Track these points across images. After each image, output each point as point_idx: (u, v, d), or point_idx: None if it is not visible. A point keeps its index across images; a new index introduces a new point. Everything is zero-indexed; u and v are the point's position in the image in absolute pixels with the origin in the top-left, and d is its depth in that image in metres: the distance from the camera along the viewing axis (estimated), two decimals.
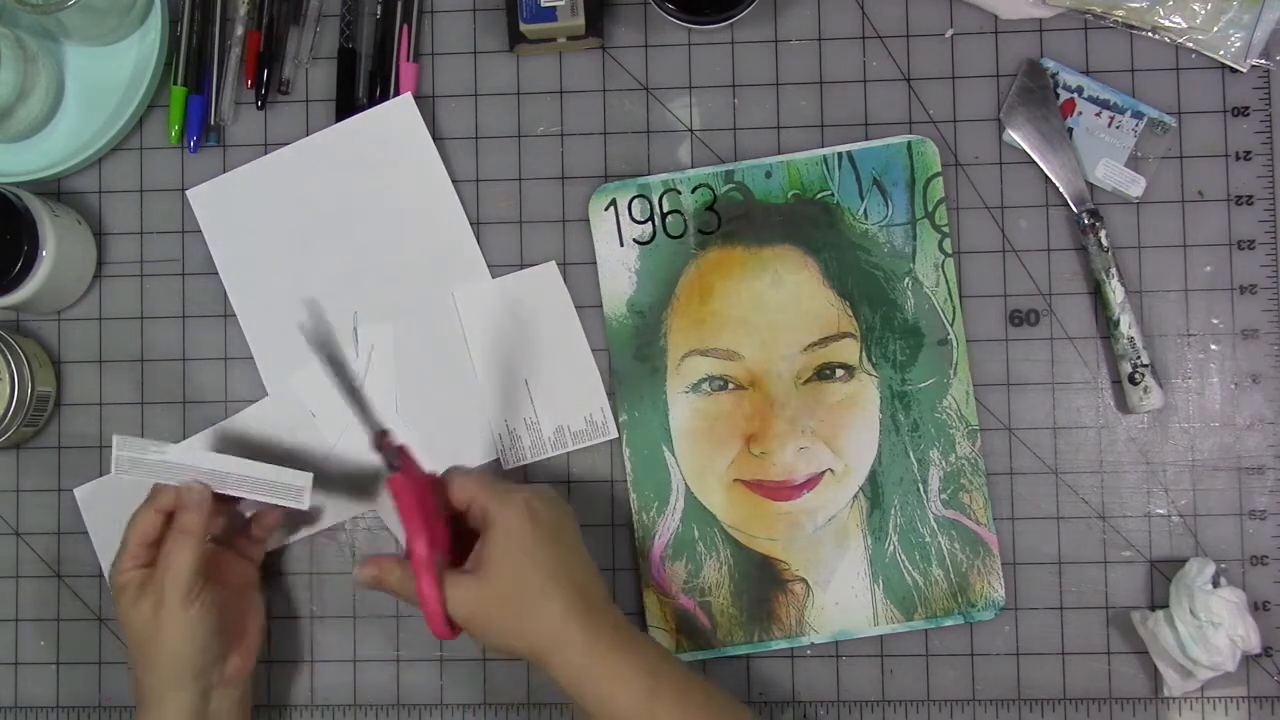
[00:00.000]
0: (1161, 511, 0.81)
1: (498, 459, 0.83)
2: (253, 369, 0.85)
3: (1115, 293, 0.80)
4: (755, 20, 0.83)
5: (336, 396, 0.81)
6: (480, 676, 0.84)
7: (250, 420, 0.84)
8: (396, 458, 0.71)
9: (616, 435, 0.82)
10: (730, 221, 0.82)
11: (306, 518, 0.82)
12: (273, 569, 0.84)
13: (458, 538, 0.71)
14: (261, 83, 0.85)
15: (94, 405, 0.86)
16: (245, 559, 0.80)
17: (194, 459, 0.76)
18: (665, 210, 0.83)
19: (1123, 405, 0.81)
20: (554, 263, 0.82)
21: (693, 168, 0.83)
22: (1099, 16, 0.82)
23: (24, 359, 0.82)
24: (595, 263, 0.83)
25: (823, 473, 0.81)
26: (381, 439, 0.72)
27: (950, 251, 0.82)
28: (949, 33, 0.83)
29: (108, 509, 0.85)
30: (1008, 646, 0.81)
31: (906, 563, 0.81)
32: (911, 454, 0.81)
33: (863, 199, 0.82)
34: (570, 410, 0.82)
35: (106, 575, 0.84)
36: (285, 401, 0.84)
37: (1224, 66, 0.82)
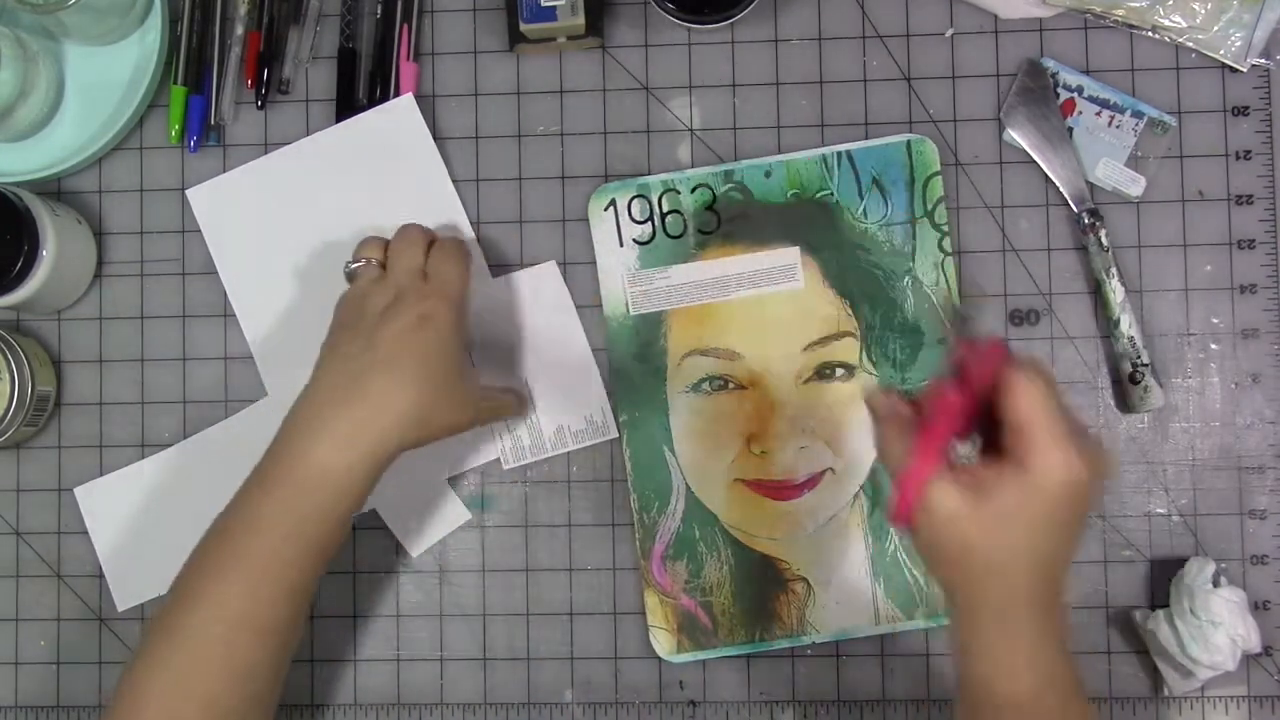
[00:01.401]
0: (1161, 511, 0.81)
1: (497, 459, 0.83)
2: (253, 369, 0.85)
3: (1115, 292, 0.80)
4: (755, 20, 0.83)
5: None
6: (480, 676, 0.84)
7: (250, 420, 0.84)
8: (963, 367, 0.60)
9: (617, 435, 0.82)
10: (730, 221, 0.83)
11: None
12: None
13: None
14: (261, 83, 0.85)
15: (94, 405, 0.86)
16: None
17: None
18: (665, 210, 0.83)
19: (1123, 405, 0.81)
20: (554, 262, 0.82)
21: (692, 167, 0.83)
22: (1099, 16, 0.82)
23: (24, 359, 0.82)
24: (595, 263, 0.83)
25: (823, 472, 0.81)
26: (960, 347, 0.61)
27: (950, 250, 0.82)
28: (949, 32, 0.83)
29: (108, 509, 0.85)
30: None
31: (907, 562, 0.81)
32: None
33: (862, 198, 0.82)
34: (570, 410, 0.82)
35: (107, 575, 0.85)
36: (285, 401, 0.83)
37: (1224, 66, 0.82)
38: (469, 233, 0.84)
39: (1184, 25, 0.81)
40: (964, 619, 0.61)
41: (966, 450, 0.62)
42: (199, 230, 0.85)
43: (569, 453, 0.83)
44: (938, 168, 0.82)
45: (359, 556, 0.84)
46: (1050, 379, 0.60)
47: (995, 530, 0.58)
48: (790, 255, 0.82)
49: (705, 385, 0.82)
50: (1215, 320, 0.82)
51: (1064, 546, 0.61)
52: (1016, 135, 0.82)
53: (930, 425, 0.60)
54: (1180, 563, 0.80)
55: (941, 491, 0.59)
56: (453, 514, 0.83)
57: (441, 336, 0.72)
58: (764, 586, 0.82)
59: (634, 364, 0.83)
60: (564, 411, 0.82)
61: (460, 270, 0.76)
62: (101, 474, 0.85)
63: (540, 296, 0.83)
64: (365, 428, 0.69)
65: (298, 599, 0.70)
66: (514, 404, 0.80)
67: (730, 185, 0.83)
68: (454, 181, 0.84)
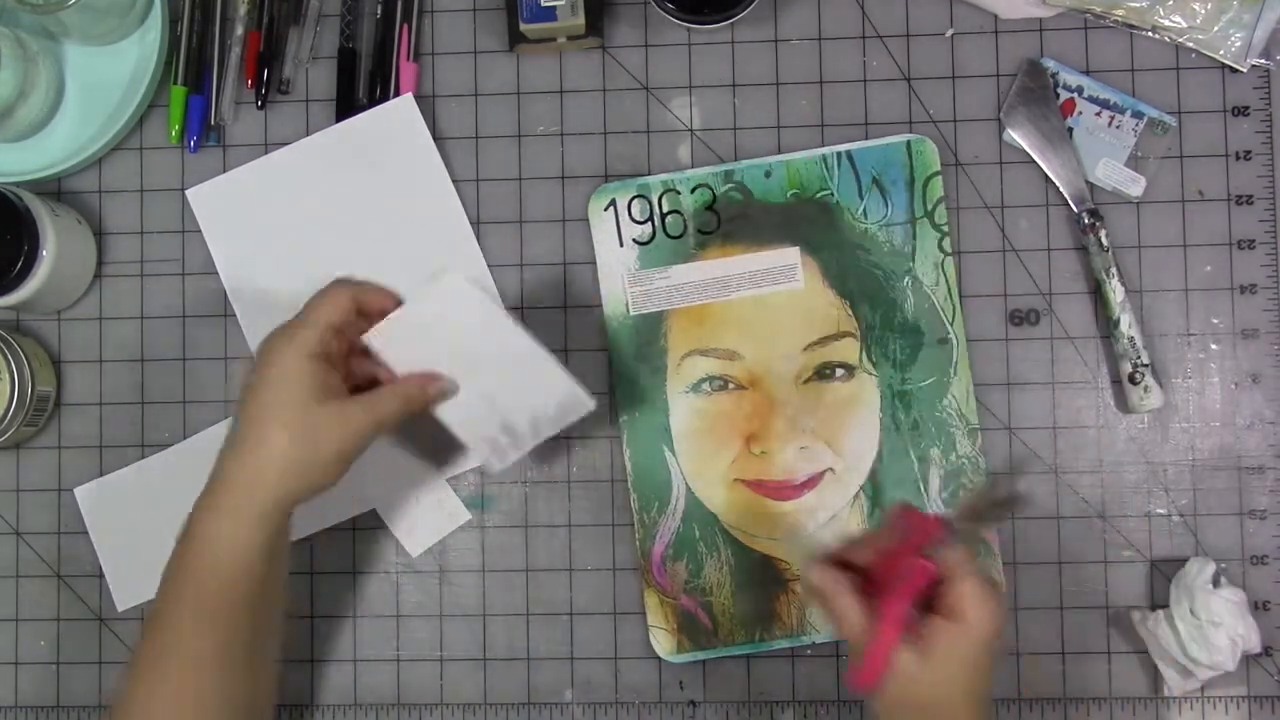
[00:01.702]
0: (1161, 511, 0.81)
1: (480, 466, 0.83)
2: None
3: (1115, 292, 0.80)
4: (755, 20, 0.83)
5: None
6: (480, 676, 0.84)
7: None
8: (920, 540, 0.66)
9: (594, 406, 0.74)
10: (730, 221, 0.83)
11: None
12: None
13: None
14: (261, 83, 0.85)
15: (94, 405, 0.86)
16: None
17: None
18: (665, 210, 0.83)
19: (1123, 405, 0.81)
20: (457, 274, 0.73)
21: (692, 168, 0.83)
22: (1099, 16, 0.82)
23: (24, 359, 0.82)
24: (595, 263, 0.83)
25: (823, 472, 0.81)
26: (905, 516, 0.67)
27: (950, 250, 0.82)
28: (949, 32, 0.83)
29: (108, 509, 0.85)
30: (1008, 646, 0.81)
31: None
32: (912, 453, 0.81)
33: (862, 198, 0.82)
34: (536, 399, 0.74)
35: (107, 575, 0.85)
36: None
37: (1224, 66, 0.82)
38: (467, 231, 0.84)
39: (1184, 25, 0.81)
40: None
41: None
42: (199, 230, 0.85)
43: (569, 449, 0.83)
44: (938, 168, 0.82)
45: (359, 556, 0.84)
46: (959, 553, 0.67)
47: (944, 681, 0.64)
48: (790, 255, 0.82)
49: (705, 385, 0.82)
50: (1215, 320, 0.82)
51: (989, 683, 0.66)
52: (1016, 135, 0.82)
53: (896, 595, 0.65)
54: (1180, 563, 0.80)
55: (904, 659, 0.64)
56: (453, 514, 0.83)
57: (281, 370, 0.68)
58: (764, 586, 0.82)
59: (634, 364, 0.83)
60: (530, 404, 0.75)
61: (316, 302, 0.70)
62: (101, 474, 0.85)
63: (459, 309, 0.73)
64: (236, 492, 0.69)
65: (235, 652, 0.69)
66: (420, 389, 0.71)
67: (730, 185, 0.83)
68: (454, 181, 0.84)
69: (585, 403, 0.73)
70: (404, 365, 0.72)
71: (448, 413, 0.73)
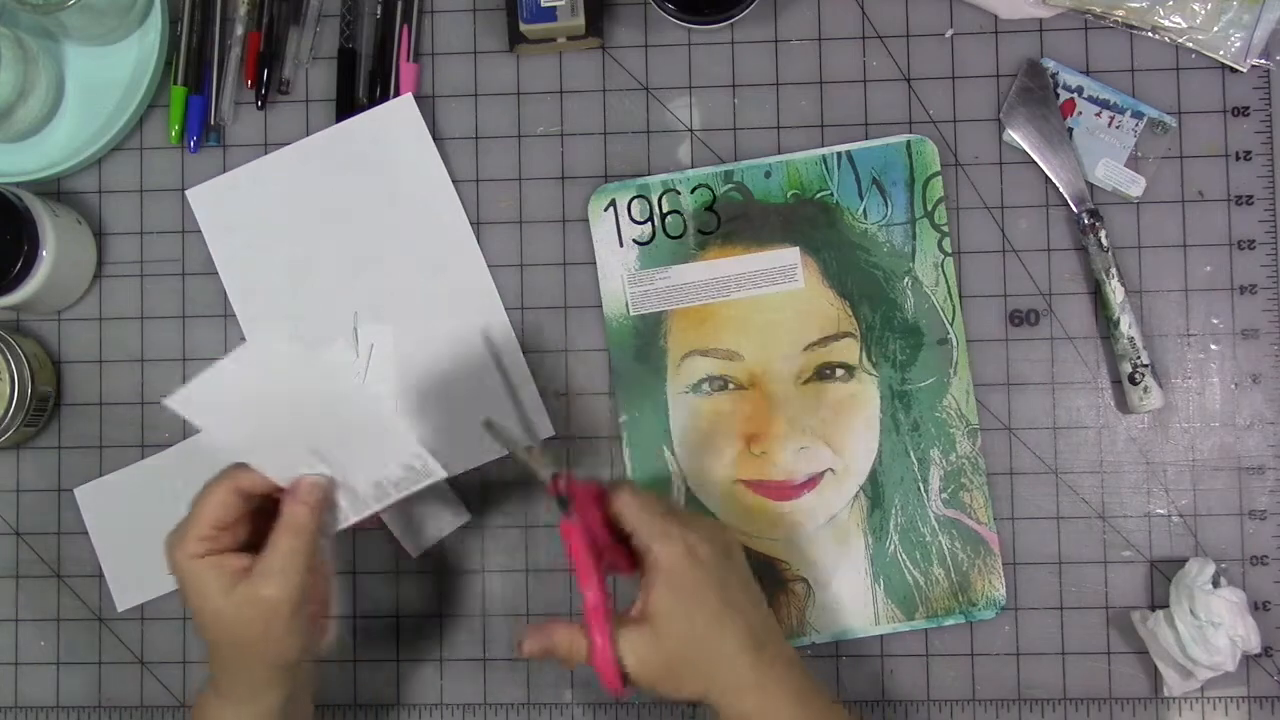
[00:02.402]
0: (1161, 511, 0.81)
1: (494, 459, 0.83)
2: None
3: (1115, 293, 0.80)
4: (755, 20, 0.83)
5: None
6: (480, 676, 0.84)
7: None
8: (572, 501, 0.67)
9: (443, 475, 0.70)
10: (730, 221, 0.83)
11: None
12: None
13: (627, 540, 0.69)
14: (261, 83, 0.85)
15: (94, 405, 0.86)
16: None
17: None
18: (665, 210, 0.83)
19: (1123, 405, 0.81)
20: (254, 344, 0.68)
21: (692, 168, 0.83)
22: (1099, 16, 0.82)
23: (24, 359, 0.82)
24: (595, 263, 0.83)
25: (823, 472, 0.81)
26: (558, 482, 0.67)
27: (950, 251, 0.82)
28: (949, 33, 0.83)
29: (108, 509, 0.85)
30: (1008, 646, 0.81)
31: (907, 562, 0.81)
32: (912, 453, 0.81)
33: (862, 198, 0.82)
34: (381, 463, 0.70)
35: (107, 575, 0.85)
36: None
37: (1224, 66, 0.82)
38: (467, 231, 0.84)
39: (1184, 26, 0.81)
40: (723, 711, 0.67)
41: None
42: (199, 230, 0.85)
43: (569, 449, 0.83)
44: (938, 168, 0.82)
45: (359, 556, 0.84)
46: (636, 486, 0.69)
47: (682, 627, 0.66)
48: (790, 255, 0.82)
49: (705, 385, 0.82)
50: (1215, 320, 0.82)
51: (741, 601, 0.68)
52: (1016, 135, 0.82)
53: (592, 623, 0.66)
54: (1180, 563, 0.80)
55: (627, 643, 0.66)
56: (453, 514, 0.83)
57: (181, 577, 0.68)
58: (764, 586, 0.81)
59: (634, 364, 0.83)
60: (374, 467, 0.70)
61: (197, 501, 0.69)
62: (101, 474, 0.85)
63: (282, 366, 0.68)
64: (221, 678, 0.70)
65: None
66: (295, 508, 0.68)
67: (730, 185, 0.83)
68: (454, 181, 0.84)
69: (435, 471, 0.70)
70: (217, 428, 0.68)
71: (276, 471, 0.69)
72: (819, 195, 0.82)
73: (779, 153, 0.83)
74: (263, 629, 0.67)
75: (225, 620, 0.68)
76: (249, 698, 0.70)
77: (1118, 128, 0.82)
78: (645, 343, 0.83)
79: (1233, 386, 0.81)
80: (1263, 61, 0.81)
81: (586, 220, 0.83)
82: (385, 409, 0.68)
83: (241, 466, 0.69)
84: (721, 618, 0.66)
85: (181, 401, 0.67)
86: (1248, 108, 0.82)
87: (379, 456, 0.69)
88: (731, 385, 0.82)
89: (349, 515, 0.71)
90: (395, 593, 0.84)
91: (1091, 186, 0.82)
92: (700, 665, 0.66)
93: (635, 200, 0.83)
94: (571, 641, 0.67)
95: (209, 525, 0.68)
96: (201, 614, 0.68)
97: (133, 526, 0.84)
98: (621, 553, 0.69)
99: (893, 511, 0.81)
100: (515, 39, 0.83)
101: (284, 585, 0.67)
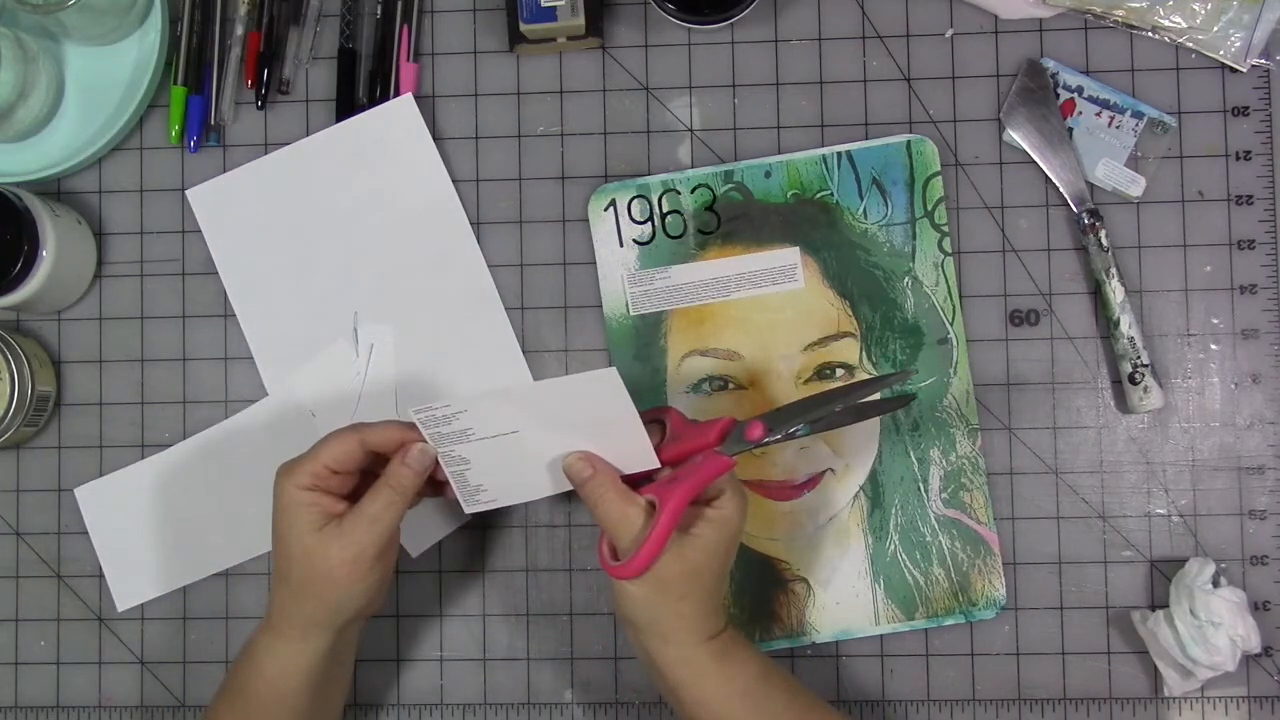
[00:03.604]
0: (1161, 511, 0.81)
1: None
2: (253, 369, 0.85)
3: (1115, 293, 0.80)
4: (755, 20, 0.83)
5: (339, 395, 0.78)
6: (480, 676, 0.84)
7: (250, 420, 0.84)
8: (707, 440, 0.72)
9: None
10: (730, 221, 0.83)
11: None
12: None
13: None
14: (261, 83, 0.85)
15: (94, 405, 0.86)
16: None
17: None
18: (665, 210, 0.83)
19: (1123, 405, 0.81)
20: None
21: (692, 168, 0.83)
22: (1099, 16, 0.82)
23: (24, 359, 0.82)
24: (595, 263, 0.83)
25: (823, 472, 0.81)
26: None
27: (950, 251, 0.82)
28: (949, 33, 0.83)
29: (108, 509, 0.85)
30: (1008, 646, 0.81)
31: (907, 562, 0.81)
32: (912, 453, 0.81)
33: (862, 198, 0.82)
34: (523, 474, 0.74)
35: (107, 575, 0.85)
36: (285, 401, 0.84)
37: (1224, 66, 0.82)
38: (467, 231, 0.84)
39: (1184, 25, 0.81)
40: (678, 648, 0.70)
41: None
42: (199, 230, 0.85)
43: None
44: (938, 168, 0.82)
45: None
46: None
47: (706, 563, 0.70)
48: (790, 255, 0.82)
49: (705, 385, 0.82)
50: (1215, 320, 0.82)
51: (728, 569, 0.72)
52: (1016, 135, 0.82)
53: (685, 488, 0.69)
54: (1180, 563, 0.80)
55: (676, 538, 0.69)
56: (453, 514, 0.83)
57: (280, 505, 0.71)
58: (764, 587, 0.82)
59: (634, 364, 0.83)
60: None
61: (322, 441, 0.72)
62: (101, 474, 0.85)
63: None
64: (279, 615, 0.73)
65: None
66: (398, 468, 0.72)
67: (730, 185, 0.83)
68: (454, 181, 0.84)
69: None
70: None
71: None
72: (819, 195, 0.82)
73: (779, 153, 0.83)
74: (340, 572, 0.70)
75: (307, 554, 0.70)
76: (301, 636, 0.72)
77: (1118, 128, 0.82)
78: (645, 343, 0.83)
79: (1233, 386, 0.81)
80: (1263, 61, 0.82)
81: (586, 220, 0.83)
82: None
83: (380, 423, 0.73)
84: (720, 576, 0.71)
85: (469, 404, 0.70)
86: (1248, 108, 0.82)
87: (607, 442, 0.72)
88: (731, 385, 0.82)
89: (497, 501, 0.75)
90: (395, 593, 0.84)
91: (1091, 186, 0.82)
92: (682, 602, 0.69)
93: (635, 200, 0.83)
94: (608, 489, 0.70)
95: (324, 464, 0.71)
96: (287, 543, 0.71)
97: (133, 526, 0.84)
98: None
99: (893, 511, 0.81)
100: (515, 39, 0.83)
101: (373, 533, 0.70)
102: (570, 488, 0.73)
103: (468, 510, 0.75)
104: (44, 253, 0.80)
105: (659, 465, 0.72)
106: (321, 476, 0.71)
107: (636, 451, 0.71)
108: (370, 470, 0.74)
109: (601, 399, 0.69)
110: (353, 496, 0.73)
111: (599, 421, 0.71)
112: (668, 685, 0.71)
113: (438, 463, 0.73)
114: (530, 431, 0.71)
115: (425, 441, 0.72)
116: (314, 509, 0.71)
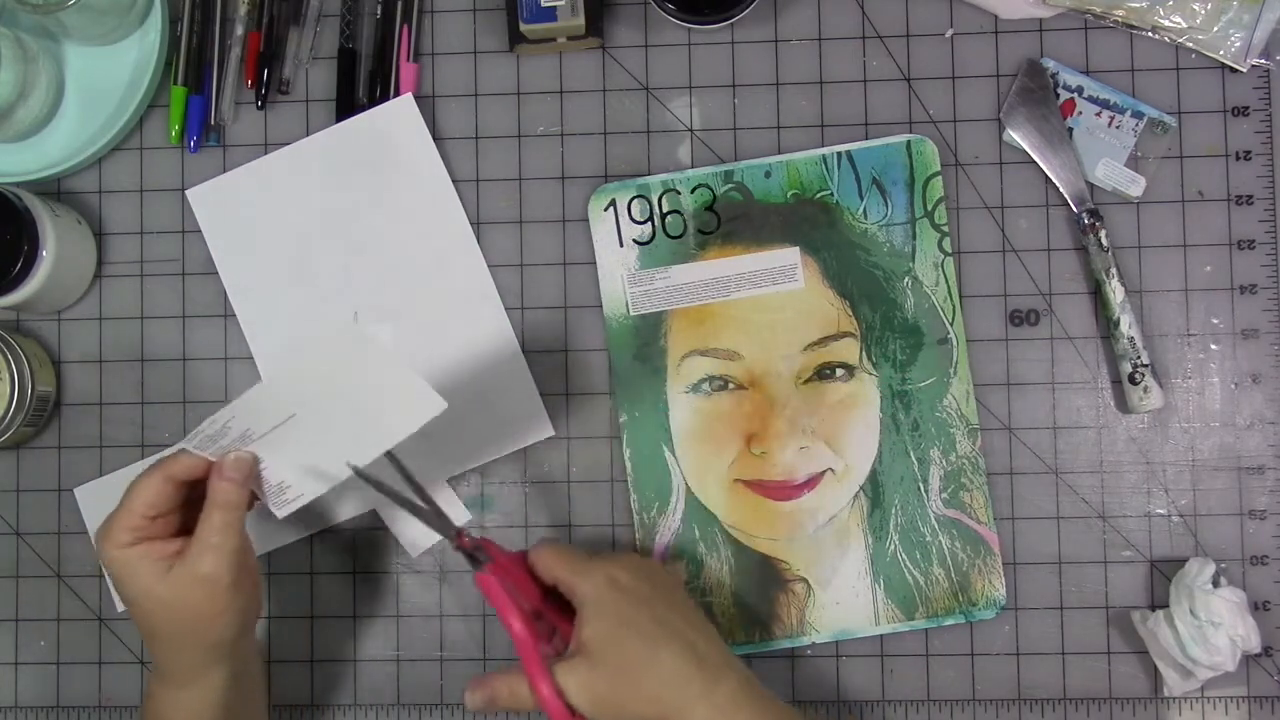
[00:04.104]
0: (1161, 511, 0.81)
1: (495, 460, 0.83)
2: (253, 369, 0.85)
3: (1115, 293, 0.80)
4: (755, 20, 0.83)
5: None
6: None
7: None
8: (482, 552, 0.70)
9: (445, 405, 0.69)
10: (730, 221, 0.83)
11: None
12: (272, 569, 0.84)
13: (561, 607, 0.72)
14: (261, 83, 0.85)
15: (94, 405, 0.86)
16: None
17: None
18: (665, 210, 0.83)
19: (1123, 405, 0.81)
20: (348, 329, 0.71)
21: (692, 168, 0.83)
22: (1099, 16, 0.82)
23: (24, 359, 0.82)
24: (595, 263, 0.83)
25: (823, 472, 0.81)
26: (460, 538, 0.70)
27: (950, 251, 0.82)
28: (949, 33, 0.83)
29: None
30: (1008, 646, 0.81)
31: (907, 562, 0.81)
32: (912, 453, 0.81)
33: (862, 198, 0.82)
34: (379, 404, 0.71)
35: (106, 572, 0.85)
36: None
37: (1224, 66, 0.82)
38: (467, 231, 0.84)
39: (1184, 25, 0.81)
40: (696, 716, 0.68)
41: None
42: (199, 230, 0.85)
43: (569, 449, 0.83)
44: (938, 168, 0.82)
45: (359, 556, 0.84)
46: (551, 542, 0.73)
47: (615, 655, 0.67)
48: (790, 255, 0.82)
49: (705, 385, 0.82)
50: (1215, 320, 0.82)
51: (674, 618, 0.69)
52: (1016, 135, 0.82)
53: (524, 658, 0.68)
54: (1180, 563, 0.80)
55: (563, 678, 0.67)
56: (453, 514, 0.83)
57: (115, 568, 0.70)
58: (764, 587, 0.82)
59: (634, 364, 0.83)
60: (373, 413, 0.70)
61: (128, 491, 0.70)
62: (101, 474, 0.85)
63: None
64: (165, 662, 0.72)
65: None
66: (219, 482, 0.70)
67: (730, 185, 0.83)
68: (454, 181, 0.84)
69: (436, 402, 0.69)
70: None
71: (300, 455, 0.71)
72: (819, 195, 0.82)
73: (779, 153, 0.83)
74: (204, 607, 0.69)
75: (163, 603, 0.69)
76: (192, 680, 0.71)
77: (1118, 128, 0.82)
78: (645, 343, 0.83)
79: (1233, 386, 0.81)
80: (1263, 61, 0.82)
81: (586, 220, 0.83)
82: (381, 344, 0.69)
83: (177, 454, 0.71)
84: (655, 636, 0.68)
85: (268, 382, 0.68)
86: (1248, 108, 0.82)
87: (379, 398, 0.70)
88: (731, 385, 0.82)
89: (291, 503, 0.72)
90: (395, 592, 0.84)
91: (1091, 186, 0.82)
92: (644, 686, 0.67)
93: (635, 200, 0.83)
94: (511, 687, 0.69)
95: (139, 515, 0.69)
96: (137, 602, 0.70)
97: None
98: (558, 613, 0.71)
99: (893, 511, 0.81)
100: (515, 39, 0.83)
101: (219, 560, 0.69)
102: (366, 484, 0.69)
103: (279, 515, 0.72)
104: (44, 253, 0.80)
105: (441, 405, 0.68)
106: (141, 528, 0.69)
107: (416, 396, 0.68)
108: (189, 499, 0.71)
109: (353, 354, 0.68)
110: (187, 528, 0.70)
111: (364, 379, 0.69)
112: None
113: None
114: (306, 412, 0.69)
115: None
116: (147, 560, 0.69)
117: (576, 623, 0.69)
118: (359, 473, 0.69)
